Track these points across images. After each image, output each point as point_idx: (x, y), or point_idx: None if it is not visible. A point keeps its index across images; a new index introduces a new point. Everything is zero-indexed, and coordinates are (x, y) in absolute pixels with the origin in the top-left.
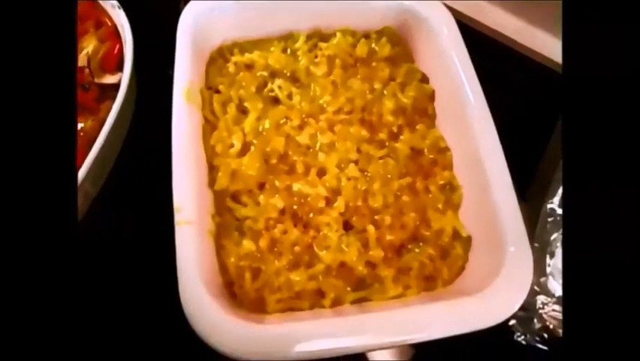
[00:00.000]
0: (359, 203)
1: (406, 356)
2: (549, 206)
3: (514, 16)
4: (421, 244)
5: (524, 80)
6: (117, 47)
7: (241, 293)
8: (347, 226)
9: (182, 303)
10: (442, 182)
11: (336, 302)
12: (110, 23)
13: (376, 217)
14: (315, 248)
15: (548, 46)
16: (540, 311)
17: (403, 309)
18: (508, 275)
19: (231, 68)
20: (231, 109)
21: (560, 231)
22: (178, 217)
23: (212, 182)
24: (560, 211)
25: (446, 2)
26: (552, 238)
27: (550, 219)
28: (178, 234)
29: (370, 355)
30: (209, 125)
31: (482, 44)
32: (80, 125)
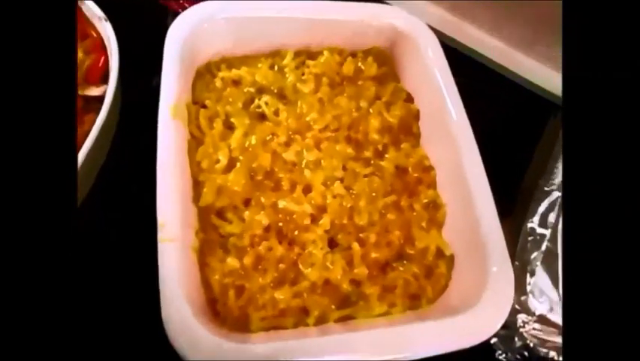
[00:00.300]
0: (344, 221)
1: None
2: (529, 225)
3: (493, 37)
4: (405, 262)
5: (504, 98)
6: (102, 59)
7: (224, 311)
8: (332, 244)
9: (164, 320)
10: (426, 200)
11: (321, 320)
12: (95, 35)
13: (361, 235)
14: (300, 265)
15: (525, 66)
16: (521, 330)
17: (388, 328)
18: (491, 294)
19: (218, 83)
20: (218, 124)
21: (540, 250)
22: (161, 234)
23: (197, 198)
24: (539, 231)
25: (429, 23)
26: (532, 256)
27: (530, 238)
28: (161, 251)
29: None
30: (195, 141)
31: (463, 64)
32: None
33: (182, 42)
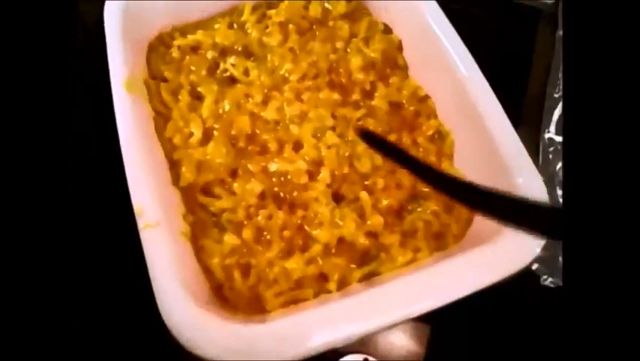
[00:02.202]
0: (345, 170)
1: (423, 335)
2: (546, 136)
3: None
4: (421, 201)
5: (487, 13)
6: None
7: (233, 295)
8: (338, 198)
9: (164, 316)
10: (429, 132)
11: (343, 283)
12: None
13: (367, 182)
14: (307, 228)
15: None
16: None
17: (414, 275)
18: None
19: (175, 53)
20: (183, 96)
21: None
22: (141, 221)
23: (176, 179)
24: (559, 139)
25: None
26: (557, 167)
27: (550, 149)
28: (145, 240)
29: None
30: (162, 118)
31: None
32: None
33: (121, 14)
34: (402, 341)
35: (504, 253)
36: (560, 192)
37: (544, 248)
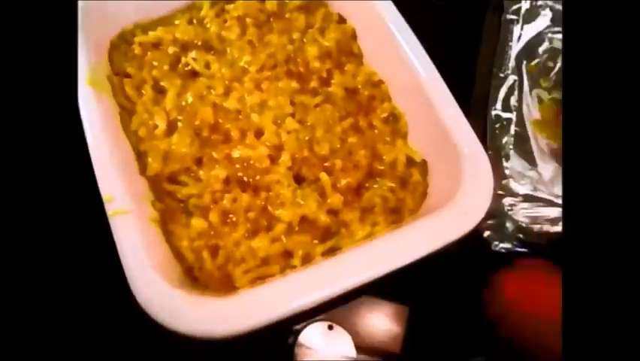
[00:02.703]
0: (305, 154)
1: (402, 316)
2: (493, 113)
3: None
4: (378, 179)
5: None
6: None
7: (203, 275)
8: (299, 180)
9: (140, 302)
10: (384, 115)
11: (307, 259)
12: None
13: (326, 164)
14: (270, 209)
15: None
16: (510, 213)
17: (371, 243)
18: (470, 182)
19: (137, 50)
20: (147, 91)
21: (510, 133)
22: (110, 208)
23: (143, 169)
24: (505, 115)
25: None
26: (503, 141)
27: (497, 125)
28: (115, 226)
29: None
30: (127, 112)
31: None
32: None
33: (82, 13)
34: (382, 323)
35: (452, 219)
36: (505, 163)
37: (493, 217)
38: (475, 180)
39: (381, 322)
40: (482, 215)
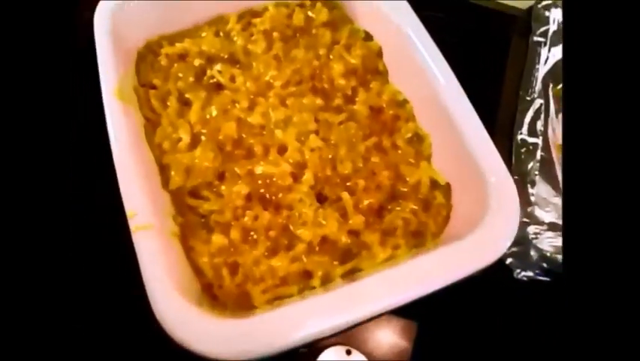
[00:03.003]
0: (328, 172)
1: (411, 332)
2: (519, 137)
3: None
4: (400, 201)
5: (464, 21)
6: None
7: (222, 293)
8: (321, 199)
9: (159, 317)
10: (408, 135)
11: (326, 280)
12: None
13: (349, 183)
14: (292, 228)
15: None
16: (534, 241)
17: (393, 269)
18: (496, 209)
19: (163, 61)
20: (172, 103)
21: (536, 159)
22: (133, 223)
23: (165, 182)
24: (531, 140)
25: None
26: (529, 167)
27: (523, 150)
28: (137, 241)
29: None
30: (151, 124)
31: None
32: None
33: (110, 25)
34: (390, 339)
35: (477, 248)
36: (530, 190)
37: (517, 244)
38: (501, 209)
39: (389, 338)
40: (508, 245)
